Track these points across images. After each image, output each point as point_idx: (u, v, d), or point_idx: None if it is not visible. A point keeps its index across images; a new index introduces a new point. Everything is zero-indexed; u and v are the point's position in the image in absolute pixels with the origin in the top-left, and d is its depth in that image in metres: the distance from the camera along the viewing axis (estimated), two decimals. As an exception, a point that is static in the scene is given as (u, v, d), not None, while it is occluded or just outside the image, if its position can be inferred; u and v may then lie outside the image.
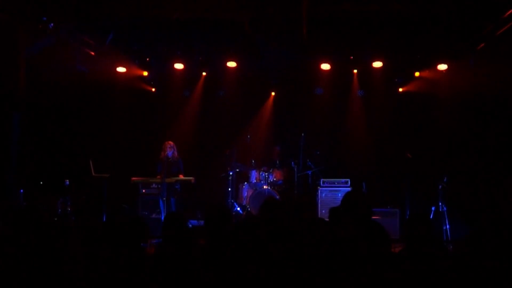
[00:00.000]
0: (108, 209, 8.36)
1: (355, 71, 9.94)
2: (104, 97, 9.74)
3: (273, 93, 10.62)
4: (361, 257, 2.88)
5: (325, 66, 9.32)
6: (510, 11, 6.84)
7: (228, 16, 7.65)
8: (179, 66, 9.46)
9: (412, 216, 4.67)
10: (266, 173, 9.37)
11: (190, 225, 8.07)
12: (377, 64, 9.21)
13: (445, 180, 7.96)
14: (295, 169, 9.31)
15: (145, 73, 9.74)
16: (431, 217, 7.74)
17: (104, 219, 8.19)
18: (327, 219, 4.52)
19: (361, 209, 3.72)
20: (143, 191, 8.55)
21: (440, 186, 7.95)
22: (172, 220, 3.81)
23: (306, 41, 8.13)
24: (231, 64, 9.33)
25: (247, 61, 9.45)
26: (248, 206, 9.14)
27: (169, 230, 3.68)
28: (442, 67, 8.90)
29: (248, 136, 9.78)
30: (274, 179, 9.47)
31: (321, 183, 8.89)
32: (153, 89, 10.46)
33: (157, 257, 3.48)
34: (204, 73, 10.24)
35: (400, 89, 9.90)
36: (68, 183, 8.03)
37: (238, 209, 9.35)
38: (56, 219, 7.58)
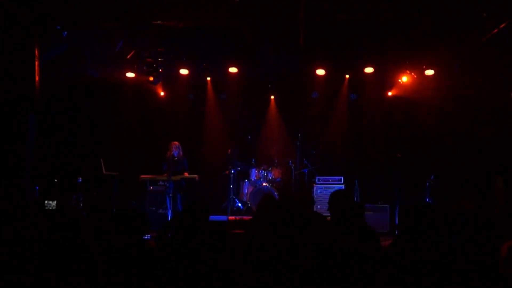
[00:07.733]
0: (118, 205, 8.40)
1: (347, 76, 10.00)
2: (114, 100, 9.79)
3: (272, 97, 10.63)
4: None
5: (320, 72, 9.37)
6: (494, 19, 6.89)
7: (230, 25, 7.71)
8: (184, 71, 9.49)
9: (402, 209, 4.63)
10: (265, 171, 9.43)
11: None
12: (369, 69, 9.26)
13: (432, 177, 8.01)
14: (292, 168, 9.36)
15: (151, 78, 9.75)
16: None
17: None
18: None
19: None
20: (151, 188, 8.60)
21: (427, 183, 8.00)
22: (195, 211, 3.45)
23: (302, 48, 8.19)
24: (233, 69, 9.38)
25: (247, 66, 9.51)
26: (248, 202, 9.20)
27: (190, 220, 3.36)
28: (429, 72, 8.94)
29: (249, 137, 9.82)
30: (273, 176, 9.52)
31: (317, 180, 8.96)
32: (162, 93, 10.46)
33: (166, 249, 3.42)
34: (208, 78, 10.29)
35: (390, 93, 9.94)
36: (80, 180, 8.07)
37: (239, 204, 9.41)
38: (69, 214, 7.61)
